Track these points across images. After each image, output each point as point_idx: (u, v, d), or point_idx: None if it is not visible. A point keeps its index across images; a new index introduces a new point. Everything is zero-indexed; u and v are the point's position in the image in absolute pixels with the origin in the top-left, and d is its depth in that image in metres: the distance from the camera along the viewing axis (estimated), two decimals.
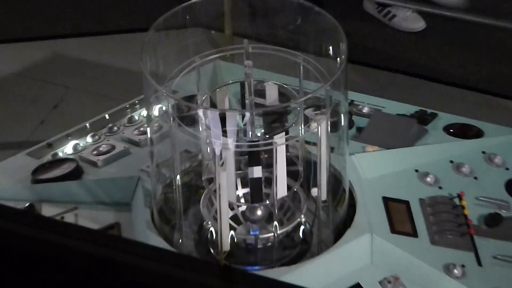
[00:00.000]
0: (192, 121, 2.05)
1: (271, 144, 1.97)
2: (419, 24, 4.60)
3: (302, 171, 2.13)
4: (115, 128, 2.55)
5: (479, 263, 2.15)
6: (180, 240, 2.13)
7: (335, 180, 2.16)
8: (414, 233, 2.19)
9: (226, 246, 2.07)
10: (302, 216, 2.14)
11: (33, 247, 1.18)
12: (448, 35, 4.53)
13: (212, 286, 1.13)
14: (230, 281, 1.14)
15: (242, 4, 2.20)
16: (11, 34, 4.68)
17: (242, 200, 2.14)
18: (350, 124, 2.45)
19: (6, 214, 1.21)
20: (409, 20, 4.60)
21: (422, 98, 3.79)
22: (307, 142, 2.14)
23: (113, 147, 2.47)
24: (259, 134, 2.10)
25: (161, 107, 2.09)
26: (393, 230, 2.18)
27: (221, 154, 2.00)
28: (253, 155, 2.00)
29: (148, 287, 1.16)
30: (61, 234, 1.19)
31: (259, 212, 2.08)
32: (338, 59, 2.07)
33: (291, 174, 2.10)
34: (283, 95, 2.10)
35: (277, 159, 2.01)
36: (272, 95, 2.08)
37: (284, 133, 2.00)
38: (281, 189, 2.05)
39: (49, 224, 1.23)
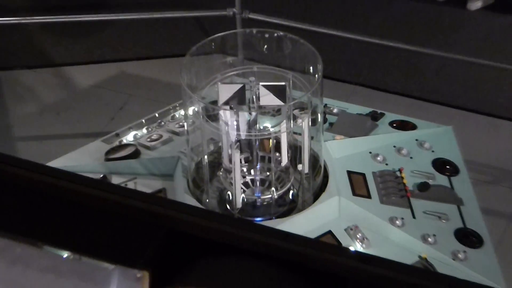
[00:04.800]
0: (215, 118, 2.05)
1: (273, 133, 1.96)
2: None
3: (291, 153, 2.12)
4: (162, 122, 2.54)
5: (414, 217, 2.14)
6: (207, 200, 2.12)
7: (314, 159, 2.15)
8: (368, 195, 2.18)
9: (239, 204, 2.06)
10: (291, 183, 2.14)
11: (105, 205, 1.18)
12: (389, 57, 4.52)
13: (229, 232, 1.13)
14: (241, 229, 1.14)
15: (250, 37, 2.19)
16: (90, 58, 4.68)
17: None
18: (324, 120, 2.44)
19: (87, 182, 1.20)
20: None
21: (374, 102, 3.78)
22: (295, 133, 2.13)
23: (161, 136, 2.45)
24: (261, 127, 2.10)
25: (194, 108, 2.08)
26: (354, 193, 2.17)
27: (235, 140, 2.00)
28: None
29: (184, 233, 1.15)
30: (125, 196, 1.18)
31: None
32: (316, 75, 2.06)
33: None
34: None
35: (275, 144, 2.01)
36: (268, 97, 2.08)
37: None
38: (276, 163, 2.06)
39: (116, 189, 1.22)
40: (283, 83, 2.06)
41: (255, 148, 2.08)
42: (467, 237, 2.12)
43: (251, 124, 2.03)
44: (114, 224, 1.18)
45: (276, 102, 2.05)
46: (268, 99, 2.05)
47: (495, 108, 4.20)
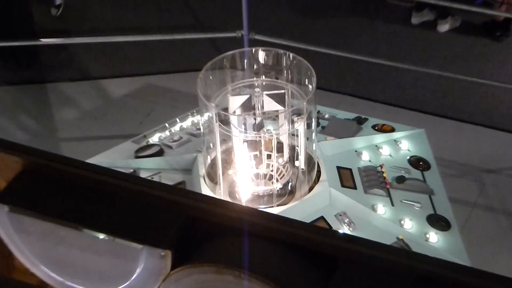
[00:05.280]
0: (227, 122, 2.05)
1: (275, 135, 1.95)
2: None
3: (290, 151, 2.12)
4: (183, 126, 2.55)
5: (392, 204, 2.14)
6: (220, 191, 2.12)
7: (309, 156, 2.15)
8: (354, 187, 2.18)
9: (246, 194, 2.06)
10: (290, 177, 2.13)
11: (134, 194, 1.18)
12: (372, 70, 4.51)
13: (237, 217, 1.12)
14: (248, 215, 1.14)
15: (255, 55, 2.19)
16: (122, 72, 4.68)
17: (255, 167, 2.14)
18: (318, 124, 2.44)
19: (120, 176, 1.20)
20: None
21: (359, 109, 3.78)
22: (293, 135, 2.13)
23: (181, 137, 2.46)
24: (265, 130, 2.10)
25: (209, 114, 2.08)
26: (342, 185, 2.17)
27: (243, 141, 2.00)
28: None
29: (201, 218, 1.15)
30: (151, 187, 1.18)
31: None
32: (310, 86, 2.06)
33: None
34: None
35: (276, 144, 2.01)
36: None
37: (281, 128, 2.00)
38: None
39: (144, 181, 1.22)
40: (283, 91, 2.06)
41: (259, 147, 2.08)
42: (437, 222, 2.12)
43: (257, 127, 2.03)
44: (142, 211, 1.18)
45: (277, 107, 2.05)
46: (271, 106, 2.05)
47: (461, 114, 4.21)
